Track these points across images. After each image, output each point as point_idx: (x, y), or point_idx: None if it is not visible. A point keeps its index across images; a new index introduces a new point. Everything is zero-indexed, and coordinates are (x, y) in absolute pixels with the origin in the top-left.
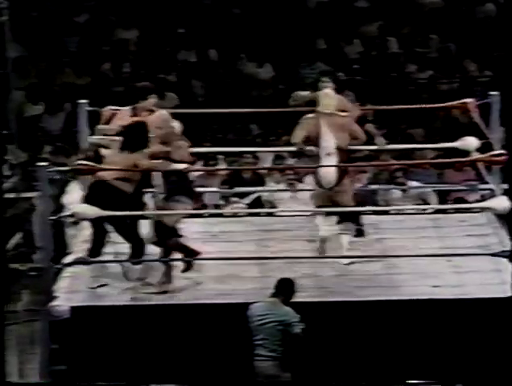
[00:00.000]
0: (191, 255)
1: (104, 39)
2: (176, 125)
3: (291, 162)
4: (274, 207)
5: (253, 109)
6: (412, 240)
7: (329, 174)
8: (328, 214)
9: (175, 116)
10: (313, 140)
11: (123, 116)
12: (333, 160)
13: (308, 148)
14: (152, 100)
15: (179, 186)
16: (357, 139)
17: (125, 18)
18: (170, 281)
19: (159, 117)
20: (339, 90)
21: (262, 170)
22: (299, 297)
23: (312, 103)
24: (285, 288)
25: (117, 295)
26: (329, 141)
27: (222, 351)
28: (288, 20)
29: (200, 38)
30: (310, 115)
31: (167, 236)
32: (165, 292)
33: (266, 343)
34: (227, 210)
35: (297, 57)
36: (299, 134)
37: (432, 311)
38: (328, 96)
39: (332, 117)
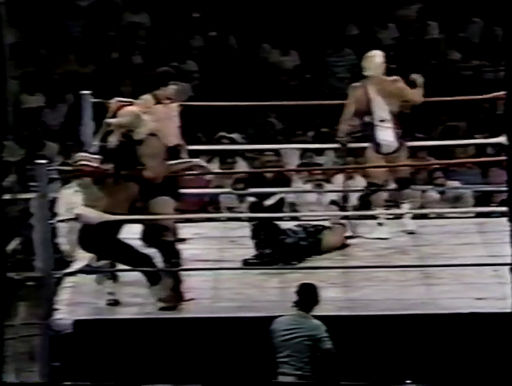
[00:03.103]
0: (176, 296)
1: (110, 24)
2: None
3: (319, 160)
4: (296, 210)
5: (275, 102)
6: (453, 246)
7: (389, 138)
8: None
9: (189, 108)
10: (364, 109)
11: (145, 105)
12: (389, 126)
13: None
14: (173, 87)
15: (160, 188)
16: (409, 102)
17: (134, 1)
18: (180, 295)
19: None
20: None
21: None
22: (325, 311)
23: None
24: (307, 295)
25: (126, 307)
26: (381, 108)
27: (240, 369)
28: (316, 2)
29: (217, 23)
30: (356, 84)
31: (161, 235)
32: (174, 307)
33: (292, 360)
34: (242, 213)
35: (325, 44)
36: (347, 113)
37: (475, 326)
38: (373, 58)
39: (380, 81)
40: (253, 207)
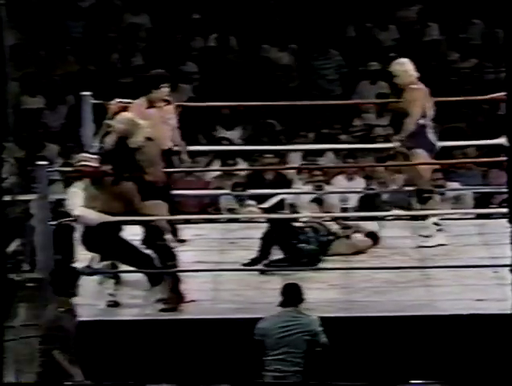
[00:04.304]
0: (176, 298)
1: (111, 25)
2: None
3: (319, 161)
4: (296, 212)
5: (276, 102)
6: (453, 247)
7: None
8: None
9: (189, 109)
10: (423, 111)
11: (138, 109)
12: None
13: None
14: (165, 89)
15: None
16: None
17: (134, 2)
18: (180, 296)
19: (173, 111)
20: (372, 81)
21: (288, 171)
22: (325, 312)
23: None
24: (292, 293)
25: (126, 309)
26: (431, 110)
27: (240, 369)
28: (316, 3)
29: (217, 23)
30: (415, 85)
31: (157, 238)
32: (174, 308)
33: (289, 357)
34: (242, 214)
35: (323, 44)
36: (416, 114)
37: (475, 328)
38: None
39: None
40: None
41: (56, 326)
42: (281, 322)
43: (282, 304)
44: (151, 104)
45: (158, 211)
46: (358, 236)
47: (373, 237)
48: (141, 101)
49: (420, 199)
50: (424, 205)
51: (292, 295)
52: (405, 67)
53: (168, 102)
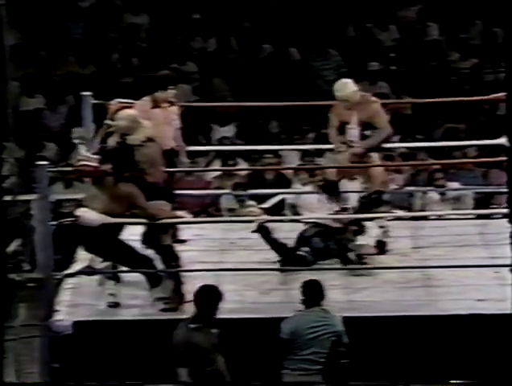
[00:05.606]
0: (178, 298)
1: (111, 25)
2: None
3: (319, 161)
4: (297, 212)
5: (274, 103)
6: (454, 248)
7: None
8: None
9: (188, 109)
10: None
11: (142, 108)
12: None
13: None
14: (173, 91)
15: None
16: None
17: (135, 3)
18: (182, 296)
19: (177, 112)
20: (372, 81)
21: (287, 171)
22: None
23: None
24: (317, 292)
25: (126, 309)
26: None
27: (240, 370)
28: (316, 4)
29: (218, 24)
30: (373, 98)
31: (159, 239)
32: (175, 309)
33: (316, 357)
34: (242, 214)
35: (323, 45)
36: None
37: (475, 328)
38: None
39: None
40: None
41: (187, 344)
42: (311, 323)
43: (306, 303)
44: (156, 105)
45: (162, 211)
46: (366, 244)
47: (381, 247)
48: (145, 101)
49: (370, 201)
50: (376, 207)
51: (315, 293)
52: (352, 87)
53: (172, 103)
